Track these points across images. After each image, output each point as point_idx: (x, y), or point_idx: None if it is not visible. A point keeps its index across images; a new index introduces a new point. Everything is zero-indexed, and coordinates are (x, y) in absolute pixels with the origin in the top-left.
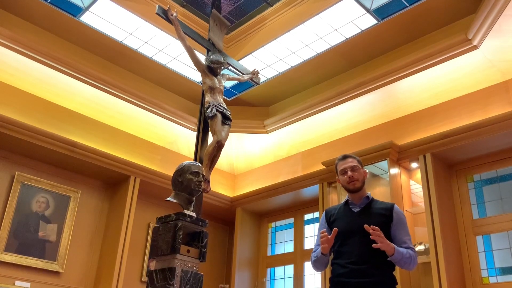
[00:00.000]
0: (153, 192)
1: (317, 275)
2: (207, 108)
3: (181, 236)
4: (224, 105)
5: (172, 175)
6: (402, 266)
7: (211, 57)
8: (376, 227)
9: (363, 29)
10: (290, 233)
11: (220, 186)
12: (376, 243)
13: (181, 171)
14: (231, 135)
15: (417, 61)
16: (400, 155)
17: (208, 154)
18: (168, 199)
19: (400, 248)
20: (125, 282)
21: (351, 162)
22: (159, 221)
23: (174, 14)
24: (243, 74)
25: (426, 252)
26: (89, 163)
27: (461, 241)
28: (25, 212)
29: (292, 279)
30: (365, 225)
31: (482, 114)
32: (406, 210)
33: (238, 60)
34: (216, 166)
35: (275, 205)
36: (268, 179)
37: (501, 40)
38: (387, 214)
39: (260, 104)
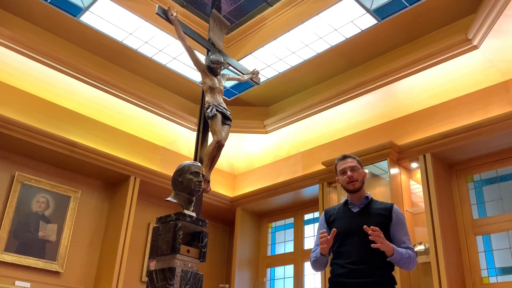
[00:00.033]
0: (153, 192)
1: (317, 275)
2: (207, 108)
3: (181, 236)
4: (224, 105)
5: (172, 175)
6: (402, 266)
7: (211, 57)
8: (376, 228)
9: (363, 29)
10: (290, 233)
11: (220, 186)
12: (375, 242)
13: (181, 171)
14: (231, 135)
15: (417, 61)
16: (400, 155)
17: (208, 154)
18: (168, 199)
19: (399, 249)
20: (125, 282)
21: (350, 162)
22: (159, 221)
23: (174, 14)
24: (243, 74)
25: (426, 252)
26: (89, 163)
27: (461, 241)
28: (25, 212)
29: (292, 279)
30: (365, 226)
31: (482, 114)
32: (406, 210)
33: (238, 60)
34: (216, 166)
35: (275, 205)
36: (268, 179)
37: (501, 40)
38: (386, 214)
39: (260, 104)
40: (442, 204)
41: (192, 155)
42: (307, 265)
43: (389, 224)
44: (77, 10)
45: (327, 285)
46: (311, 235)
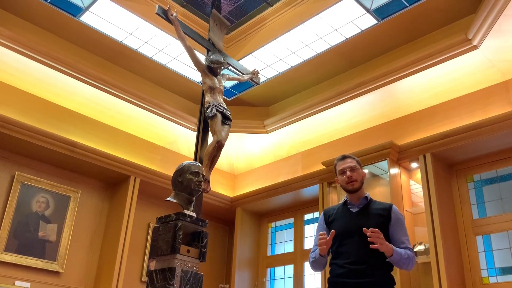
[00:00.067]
0: (153, 192)
1: (317, 275)
2: (207, 108)
3: (181, 236)
4: (224, 105)
5: (172, 175)
6: (401, 266)
7: (211, 57)
8: (376, 229)
9: (363, 29)
10: (290, 233)
11: (220, 186)
12: (374, 243)
13: (181, 171)
14: (231, 135)
15: (417, 61)
16: (400, 155)
17: (208, 154)
18: (168, 199)
19: (398, 249)
20: (125, 282)
21: (350, 163)
22: (159, 221)
23: (174, 14)
24: (243, 74)
25: (426, 252)
26: (89, 163)
27: (461, 241)
28: (25, 212)
29: (292, 279)
30: (364, 229)
31: (482, 114)
32: (406, 210)
33: (238, 60)
34: (216, 166)
35: (275, 205)
36: (268, 179)
37: (501, 40)
38: (385, 214)
39: (260, 104)
40: (442, 204)
41: (192, 155)
42: (307, 265)
43: (388, 224)
44: (77, 10)
45: (327, 285)
46: (311, 235)
